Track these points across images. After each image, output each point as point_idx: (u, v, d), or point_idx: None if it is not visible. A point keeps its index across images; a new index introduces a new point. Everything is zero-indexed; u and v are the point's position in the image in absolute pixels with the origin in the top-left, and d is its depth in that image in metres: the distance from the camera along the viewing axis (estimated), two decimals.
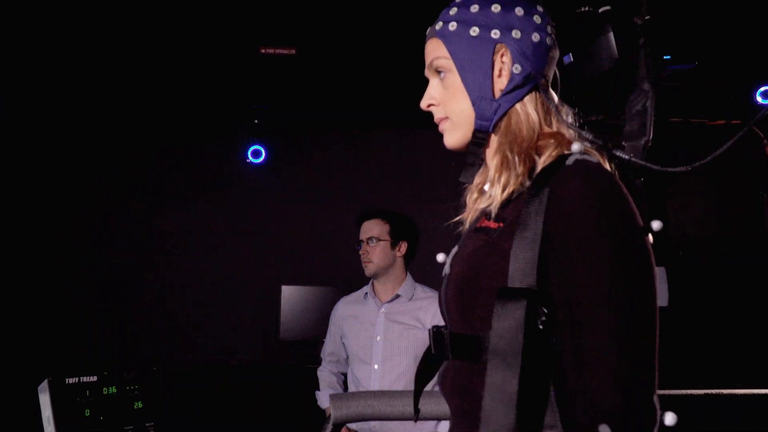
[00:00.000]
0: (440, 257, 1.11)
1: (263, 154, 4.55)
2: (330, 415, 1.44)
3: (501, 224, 0.94)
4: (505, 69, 1.01)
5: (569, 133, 1.00)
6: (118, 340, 4.21)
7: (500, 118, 1.01)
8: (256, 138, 4.52)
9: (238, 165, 4.59)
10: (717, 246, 4.44)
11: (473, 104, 1.02)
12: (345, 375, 2.71)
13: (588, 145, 0.94)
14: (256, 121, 4.45)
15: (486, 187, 1.04)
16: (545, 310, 0.86)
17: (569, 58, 1.07)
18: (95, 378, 1.97)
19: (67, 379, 1.91)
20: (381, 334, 2.49)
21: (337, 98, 4.31)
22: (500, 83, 1.01)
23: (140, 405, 2.05)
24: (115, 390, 2.00)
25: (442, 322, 1.08)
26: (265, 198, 4.66)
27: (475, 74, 1.01)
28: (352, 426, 2.47)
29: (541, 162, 0.95)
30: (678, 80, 3.78)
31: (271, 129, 4.51)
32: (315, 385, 2.75)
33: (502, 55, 1.01)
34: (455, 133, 1.06)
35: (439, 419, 1.64)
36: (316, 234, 4.60)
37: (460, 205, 1.11)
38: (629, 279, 0.82)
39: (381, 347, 2.47)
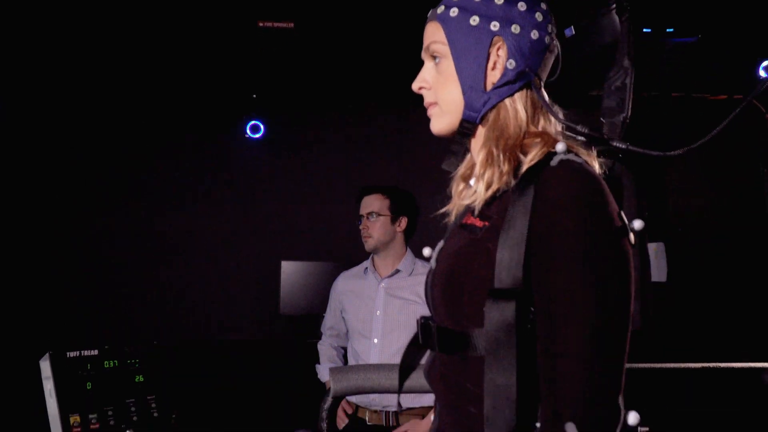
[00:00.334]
0: (426, 251, 1.12)
1: (262, 129, 4.52)
2: (330, 387, 1.46)
3: (486, 223, 0.95)
4: (499, 63, 1.00)
5: (555, 132, 1.00)
6: (117, 316, 4.23)
7: (488, 111, 1.01)
8: (254, 113, 4.49)
9: (236, 140, 4.57)
10: (716, 221, 4.44)
11: (463, 93, 1.01)
12: (345, 349, 2.73)
13: (580, 138, 0.94)
14: (254, 96, 4.41)
15: (472, 182, 1.05)
16: (532, 309, 0.87)
17: (570, 31, 1.06)
18: (96, 352, 1.99)
19: (68, 353, 1.93)
20: (381, 308, 2.50)
21: (336, 72, 4.28)
22: (493, 76, 1.00)
23: (141, 378, 2.07)
24: (116, 364, 2.02)
25: None
26: (264, 173, 4.64)
27: (469, 64, 1.00)
28: (352, 398, 2.50)
29: (527, 161, 0.95)
30: (679, 54, 3.74)
31: (269, 104, 4.48)
32: (315, 359, 2.77)
33: (498, 48, 1.00)
34: (442, 120, 1.06)
35: None
36: (315, 209, 4.60)
37: (446, 195, 1.12)
38: (604, 281, 0.83)
39: (381, 322, 2.48)
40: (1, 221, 4.03)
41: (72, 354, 1.94)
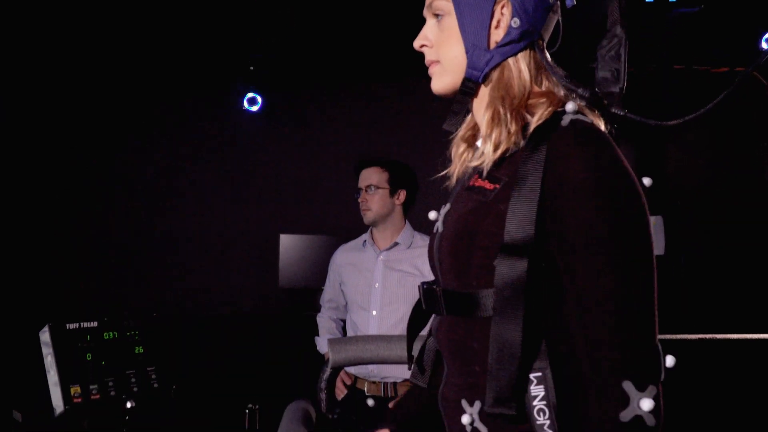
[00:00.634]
0: (432, 215, 1.12)
1: (259, 101, 4.49)
2: (328, 359, 1.46)
3: (497, 185, 0.95)
4: (503, 21, 0.98)
5: (560, 92, 0.99)
6: (116, 289, 4.24)
7: (491, 71, 1.00)
8: (252, 85, 4.45)
9: (233, 113, 4.54)
10: (716, 195, 4.43)
11: (466, 51, 1.00)
12: (344, 321, 2.74)
13: (583, 103, 0.93)
14: (251, 68, 4.37)
15: (478, 143, 1.04)
16: (543, 265, 0.88)
17: (572, 1, 1.04)
18: (95, 323, 2.00)
19: (67, 325, 1.94)
20: (379, 281, 2.50)
21: (335, 43, 4.23)
22: (496, 35, 0.99)
23: (141, 350, 2.08)
24: (115, 335, 2.03)
25: None
26: (262, 146, 4.62)
27: (472, 21, 0.99)
28: (350, 369, 2.52)
29: (534, 121, 0.94)
30: (682, 26, 3.70)
31: (267, 76, 4.44)
32: (314, 331, 2.78)
33: (502, 7, 0.98)
34: (444, 78, 1.04)
35: None
36: (314, 182, 4.59)
37: (446, 158, 1.10)
38: (626, 230, 0.84)
39: (379, 294, 2.49)
40: (0, 194, 4.02)
41: (71, 326, 1.95)
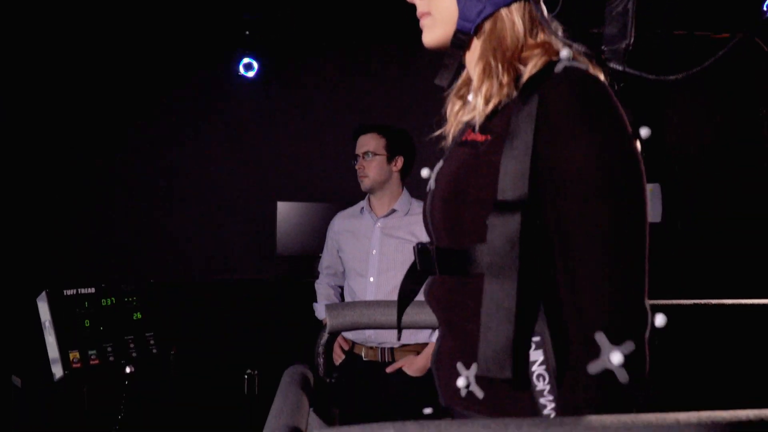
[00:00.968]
0: (425, 172, 1.09)
1: (255, 67, 4.43)
2: (326, 324, 1.47)
3: (488, 137, 0.92)
4: None
5: (557, 42, 0.95)
6: (113, 256, 4.24)
7: (484, 21, 0.97)
8: (247, 50, 4.39)
9: (229, 79, 4.49)
10: (713, 162, 4.42)
11: (458, 1, 0.97)
12: (342, 288, 2.75)
13: (581, 49, 0.91)
14: (247, 33, 4.30)
15: (470, 97, 1.01)
16: (537, 222, 0.85)
17: None
18: (93, 290, 2.01)
19: (64, 291, 1.94)
20: (377, 248, 2.50)
21: (332, 7, 4.16)
22: None
23: (139, 316, 2.10)
24: (113, 301, 2.04)
25: None
26: (258, 113, 4.58)
27: None
28: (348, 335, 2.54)
29: (528, 71, 0.91)
30: None
31: (263, 40, 4.38)
32: (312, 298, 2.80)
33: None
34: (435, 31, 1.02)
35: (432, 328, 1.67)
36: (311, 149, 4.56)
37: (441, 117, 1.08)
38: (617, 186, 0.81)
39: (377, 261, 2.49)
40: None
41: (69, 292, 1.96)
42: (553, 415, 0.84)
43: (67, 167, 4.20)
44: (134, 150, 4.37)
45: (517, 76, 0.93)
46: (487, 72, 0.95)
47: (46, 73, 4.15)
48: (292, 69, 4.61)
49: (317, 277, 2.82)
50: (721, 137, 4.48)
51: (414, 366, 2.39)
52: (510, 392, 0.87)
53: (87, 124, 4.26)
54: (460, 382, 0.93)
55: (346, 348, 2.55)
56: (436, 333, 2.39)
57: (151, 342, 2.14)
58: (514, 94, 0.91)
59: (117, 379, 2.09)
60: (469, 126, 0.99)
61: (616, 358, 0.77)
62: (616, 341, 0.78)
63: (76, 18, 4.07)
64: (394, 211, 2.53)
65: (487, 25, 0.97)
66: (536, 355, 0.85)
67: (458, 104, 1.06)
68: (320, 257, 2.80)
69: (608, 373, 0.78)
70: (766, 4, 3.88)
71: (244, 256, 4.50)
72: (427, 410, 1.04)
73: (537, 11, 0.95)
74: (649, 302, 0.82)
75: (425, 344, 2.44)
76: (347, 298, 2.65)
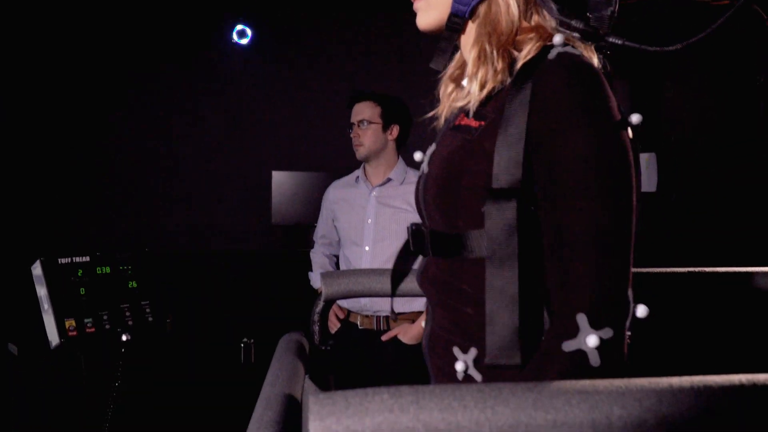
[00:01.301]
0: (417, 155, 1.10)
1: (249, 34, 4.37)
2: (321, 292, 1.47)
3: (482, 123, 0.92)
4: None
5: (550, 26, 0.95)
6: (107, 226, 4.23)
7: (478, 5, 0.96)
8: (241, 17, 4.32)
9: (222, 46, 4.43)
10: (710, 132, 4.41)
11: None
12: (337, 257, 2.76)
13: (575, 35, 0.90)
14: None
15: (464, 82, 1.01)
16: (532, 209, 0.86)
17: None
18: (88, 258, 2.00)
19: (59, 260, 1.94)
20: (372, 217, 2.50)
21: None
22: None
23: (134, 284, 2.09)
24: (108, 270, 2.04)
25: None
26: (252, 81, 4.53)
27: None
28: (343, 303, 2.55)
29: (522, 57, 0.91)
30: None
31: (257, 7, 4.31)
32: (308, 267, 2.80)
33: None
34: (429, 14, 1.01)
35: None
36: (306, 117, 4.53)
37: (435, 98, 1.08)
38: (607, 174, 0.82)
39: (372, 230, 2.49)
40: None
41: (63, 261, 1.96)
42: None
43: (61, 136, 4.16)
44: (129, 119, 4.33)
45: (512, 61, 0.93)
46: (482, 58, 0.94)
47: (40, 44, 4.09)
48: (287, 35, 4.55)
49: (312, 247, 2.82)
50: (718, 106, 4.46)
51: (409, 334, 2.40)
52: (510, 374, 0.88)
53: (80, 93, 4.21)
54: (459, 367, 0.94)
55: (342, 317, 2.56)
56: None
57: (147, 311, 2.14)
58: (509, 80, 0.91)
59: (113, 348, 2.10)
60: (462, 110, 0.99)
61: (592, 340, 0.79)
62: (595, 325, 0.80)
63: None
64: (389, 180, 2.52)
65: (482, 9, 0.96)
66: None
67: (451, 86, 1.06)
68: (315, 226, 2.80)
69: (581, 354, 0.80)
70: None
71: (239, 225, 4.50)
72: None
73: None
74: (632, 293, 0.83)
75: (420, 312, 2.46)
76: (342, 267, 2.66)
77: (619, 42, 0.90)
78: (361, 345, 2.49)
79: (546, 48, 0.90)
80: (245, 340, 3.79)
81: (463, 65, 1.05)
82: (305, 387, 1.14)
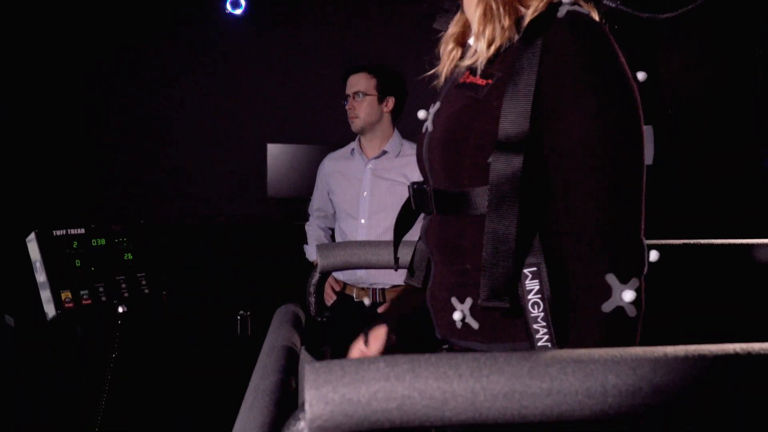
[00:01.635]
0: (421, 114, 1.09)
1: (243, 4, 4.31)
2: (317, 264, 1.47)
3: (489, 81, 0.92)
4: None
5: None
6: (102, 197, 4.21)
7: None
8: None
9: (216, 16, 4.36)
10: (707, 104, 4.39)
11: None
12: (332, 230, 2.76)
13: None
14: None
15: (470, 41, 1.01)
16: (537, 162, 0.87)
17: None
18: (83, 230, 1.99)
19: (54, 232, 1.93)
20: (368, 189, 2.50)
21: None
22: None
23: (130, 257, 2.09)
24: (103, 242, 2.03)
25: None
26: (246, 52, 4.48)
27: None
28: (339, 276, 2.55)
29: (529, 14, 0.91)
30: None
31: None
32: (303, 240, 2.80)
33: None
34: None
35: None
36: (301, 89, 4.49)
37: (434, 57, 1.07)
38: (618, 129, 0.84)
39: (368, 203, 2.49)
40: None
41: (58, 233, 1.95)
42: (546, 342, 0.88)
43: (55, 108, 4.12)
44: (122, 91, 4.28)
45: (518, 18, 0.93)
46: (488, 15, 0.94)
47: (32, 16, 4.02)
48: (281, 5, 4.48)
49: (307, 220, 2.82)
50: (716, 78, 4.43)
51: None
52: (504, 320, 0.92)
53: (73, 66, 4.16)
54: (456, 316, 0.97)
55: (338, 289, 2.57)
56: None
57: (143, 283, 2.14)
58: (516, 37, 0.91)
59: (110, 319, 2.11)
60: (467, 69, 0.99)
61: (628, 296, 0.83)
62: (624, 280, 0.83)
63: None
64: (385, 152, 2.51)
65: None
66: (532, 285, 0.89)
67: (451, 45, 1.06)
68: (311, 199, 2.79)
69: (619, 310, 0.83)
70: None
71: (234, 198, 4.48)
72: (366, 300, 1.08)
73: None
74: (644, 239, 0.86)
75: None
76: (338, 240, 2.66)
77: (613, 5, 0.91)
78: (358, 317, 2.50)
79: (553, 5, 0.90)
80: (242, 312, 3.80)
81: (464, 24, 1.05)
82: (301, 358, 1.15)
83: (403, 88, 2.55)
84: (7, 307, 2.76)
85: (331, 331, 2.52)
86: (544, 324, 0.88)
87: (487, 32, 0.93)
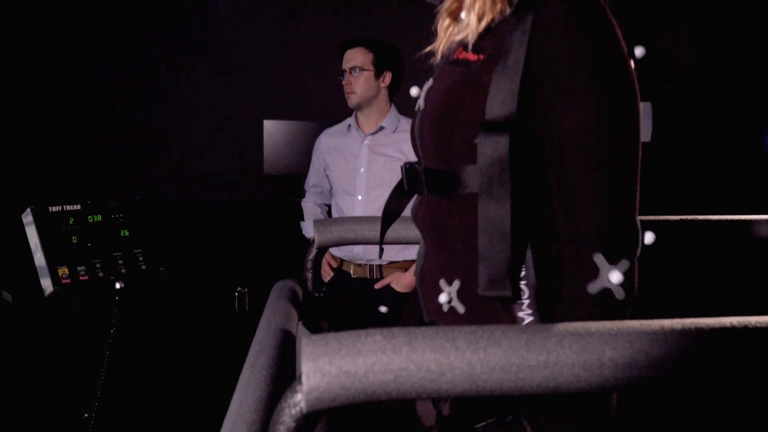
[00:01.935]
0: (414, 91, 1.07)
1: None
2: (314, 240, 1.47)
3: (481, 56, 0.89)
4: None
5: None
6: (98, 174, 4.19)
7: None
8: None
9: None
10: (707, 81, 4.37)
11: None
12: (329, 206, 2.75)
13: None
14: None
15: (462, 15, 0.98)
16: (527, 142, 0.84)
17: None
18: (79, 207, 1.98)
19: (50, 208, 1.92)
20: (365, 165, 2.48)
21: None
22: None
23: (126, 233, 2.08)
24: (99, 218, 2.02)
25: None
26: (242, 28, 4.43)
27: None
28: (336, 252, 2.55)
29: None
30: None
31: None
32: (300, 217, 2.80)
33: None
34: None
35: (417, 243, 1.68)
36: (297, 65, 4.45)
37: (431, 33, 1.05)
38: (612, 106, 0.81)
39: (365, 179, 2.48)
40: None
41: (54, 209, 1.94)
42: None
43: (50, 83, 4.08)
44: (118, 67, 4.24)
45: None
46: None
47: None
48: None
49: (304, 197, 2.81)
50: (716, 54, 4.40)
51: (402, 282, 2.42)
52: (491, 306, 0.89)
53: (68, 42, 4.11)
54: (442, 298, 0.95)
55: (335, 265, 2.57)
56: None
57: (140, 259, 2.14)
58: (508, 11, 0.89)
59: (107, 295, 2.11)
60: (460, 44, 0.96)
61: (616, 277, 0.80)
62: (613, 261, 0.80)
63: None
64: (382, 128, 2.50)
65: None
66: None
67: (448, 20, 1.03)
68: (308, 174, 2.78)
69: (606, 292, 0.80)
70: None
71: (230, 174, 4.46)
72: (383, 309, 1.07)
73: None
74: (639, 220, 0.83)
75: (413, 261, 2.47)
76: (335, 216, 2.65)
77: None
78: (355, 293, 2.51)
79: None
80: (239, 289, 3.81)
81: None
82: (298, 332, 1.15)
83: (401, 63, 2.52)
84: (4, 283, 2.76)
85: (329, 307, 2.54)
86: (530, 312, 0.86)
87: (477, 5, 0.91)
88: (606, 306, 0.80)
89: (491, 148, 0.82)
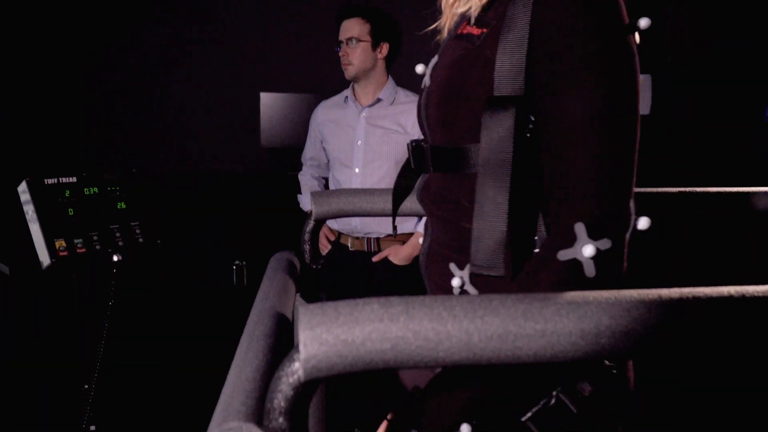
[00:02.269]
0: (419, 68, 1.05)
1: None
2: (312, 212, 1.46)
3: (484, 30, 0.88)
4: None
5: None
6: (94, 147, 4.17)
7: None
8: None
9: None
10: (709, 54, 4.33)
11: None
12: (326, 179, 2.74)
13: None
14: None
15: None
16: (532, 118, 0.83)
17: None
18: (75, 179, 1.97)
19: (45, 180, 1.91)
20: (362, 138, 2.47)
21: None
22: None
23: (123, 206, 2.08)
24: (96, 191, 2.01)
25: None
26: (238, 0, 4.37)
27: None
28: (334, 225, 2.55)
29: None
30: None
31: None
32: (297, 190, 2.79)
33: None
34: None
35: (419, 216, 1.68)
36: (294, 37, 4.40)
37: (435, 10, 1.03)
38: (613, 81, 0.79)
39: (362, 151, 2.46)
40: None
41: (50, 181, 1.93)
42: None
43: (47, 57, 4.04)
44: (114, 39, 4.19)
45: None
46: None
47: None
48: None
49: (301, 169, 2.80)
50: (718, 25, 4.36)
51: (400, 255, 2.42)
52: (503, 287, 0.88)
53: (66, 17, 4.05)
54: (455, 282, 0.94)
55: (333, 238, 2.57)
56: (422, 223, 2.42)
57: (137, 232, 2.14)
58: None
59: (105, 268, 2.11)
60: (464, 18, 0.95)
61: (588, 250, 0.77)
62: (594, 235, 0.78)
63: None
64: (379, 100, 2.47)
65: None
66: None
67: None
68: (304, 147, 2.76)
69: (575, 264, 0.78)
70: None
71: (227, 147, 4.45)
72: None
73: None
74: (634, 205, 0.81)
75: (411, 234, 2.47)
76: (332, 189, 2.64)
77: None
78: (352, 266, 2.51)
79: None
80: (237, 262, 3.81)
81: None
82: (296, 303, 1.15)
83: (398, 34, 2.49)
84: (1, 255, 2.75)
85: (326, 280, 2.54)
86: None
87: None
88: (571, 279, 0.78)
89: (496, 124, 0.81)
